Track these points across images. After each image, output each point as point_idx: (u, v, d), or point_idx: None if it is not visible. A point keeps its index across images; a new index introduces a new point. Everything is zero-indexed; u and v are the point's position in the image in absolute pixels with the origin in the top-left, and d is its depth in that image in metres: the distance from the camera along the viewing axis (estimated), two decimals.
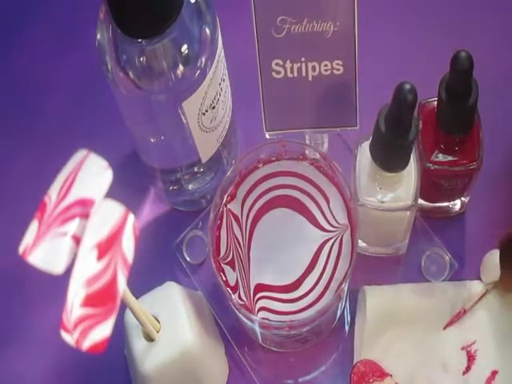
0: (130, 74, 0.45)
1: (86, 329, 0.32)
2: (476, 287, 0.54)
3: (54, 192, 0.34)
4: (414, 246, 0.56)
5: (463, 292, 0.54)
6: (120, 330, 0.47)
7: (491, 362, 0.53)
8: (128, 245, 0.33)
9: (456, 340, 0.53)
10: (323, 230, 0.49)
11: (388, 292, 0.54)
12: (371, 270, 0.56)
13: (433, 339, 0.53)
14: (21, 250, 0.33)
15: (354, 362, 0.54)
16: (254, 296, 0.48)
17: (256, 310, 0.48)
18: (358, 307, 0.55)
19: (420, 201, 0.55)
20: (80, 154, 0.35)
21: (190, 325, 0.49)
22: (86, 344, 0.32)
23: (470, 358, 0.53)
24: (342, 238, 0.49)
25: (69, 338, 0.32)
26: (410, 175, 0.49)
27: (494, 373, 0.53)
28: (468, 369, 0.53)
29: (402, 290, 0.54)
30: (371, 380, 0.52)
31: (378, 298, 0.54)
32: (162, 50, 0.44)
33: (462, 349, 0.53)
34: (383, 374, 0.52)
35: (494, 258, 0.52)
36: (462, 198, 0.57)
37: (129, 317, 0.48)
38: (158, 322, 0.48)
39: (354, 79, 0.48)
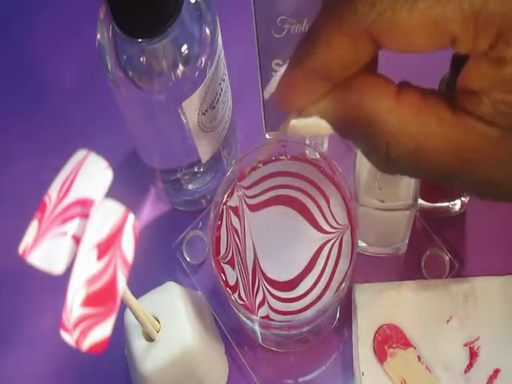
0: (130, 73, 0.45)
1: (86, 329, 0.32)
2: (479, 282, 0.54)
3: (53, 192, 0.34)
4: (414, 245, 0.56)
5: (465, 286, 0.54)
6: (120, 330, 0.47)
7: (494, 359, 0.53)
8: (128, 245, 0.33)
9: (459, 336, 0.53)
10: (323, 231, 0.49)
11: (378, 289, 0.54)
12: (371, 269, 0.57)
13: (434, 335, 0.53)
14: (21, 249, 0.33)
15: (354, 360, 0.54)
16: (254, 283, 0.48)
17: (256, 308, 0.48)
18: (352, 306, 0.55)
19: (420, 201, 0.55)
20: (80, 153, 0.35)
21: (190, 325, 0.49)
22: (86, 344, 0.32)
23: (473, 355, 0.53)
24: (341, 238, 0.49)
25: (69, 338, 0.32)
26: None
27: (497, 371, 0.52)
28: (470, 366, 0.53)
29: (396, 287, 0.54)
30: (394, 345, 0.52)
31: (367, 295, 0.54)
32: (162, 50, 0.44)
33: (465, 345, 0.53)
34: (407, 344, 0.52)
35: None
36: (462, 198, 0.57)
37: (129, 317, 0.48)
38: (158, 321, 0.48)
39: None
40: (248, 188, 0.50)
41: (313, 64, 0.33)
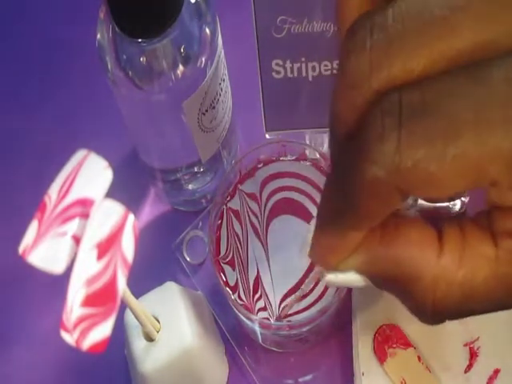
0: (130, 73, 0.45)
1: (86, 329, 0.32)
2: None
3: (53, 192, 0.34)
4: None
5: None
6: (120, 330, 0.47)
7: (494, 359, 0.53)
8: (128, 245, 0.33)
9: (459, 336, 0.53)
10: None
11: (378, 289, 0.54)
12: None
13: (434, 335, 0.53)
14: (21, 250, 0.33)
15: (354, 360, 0.54)
16: (254, 295, 0.48)
17: (256, 310, 0.48)
18: (352, 306, 0.55)
19: (420, 201, 0.55)
20: (80, 153, 0.35)
21: (189, 325, 0.49)
22: (86, 344, 0.32)
23: (473, 355, 0.53)
24: None
25: (69, 338, 0.32)
26: None
27: (497, 371, 0.52)
28: (470, 367, 0.53)
29: None
30: (394, 345, 0.52)
31: (367, 295, 0.54)
32: (162, 50, 0.44)
33: (465, 345, 0.53)
34: (407, 344, 0.52)
35: None
36: (462, 198, 0.57)
37: (129, 317, 0.48)
38: (158, 321, 0.48)
39: None
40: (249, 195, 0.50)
41: (340, 225, 0.30)
